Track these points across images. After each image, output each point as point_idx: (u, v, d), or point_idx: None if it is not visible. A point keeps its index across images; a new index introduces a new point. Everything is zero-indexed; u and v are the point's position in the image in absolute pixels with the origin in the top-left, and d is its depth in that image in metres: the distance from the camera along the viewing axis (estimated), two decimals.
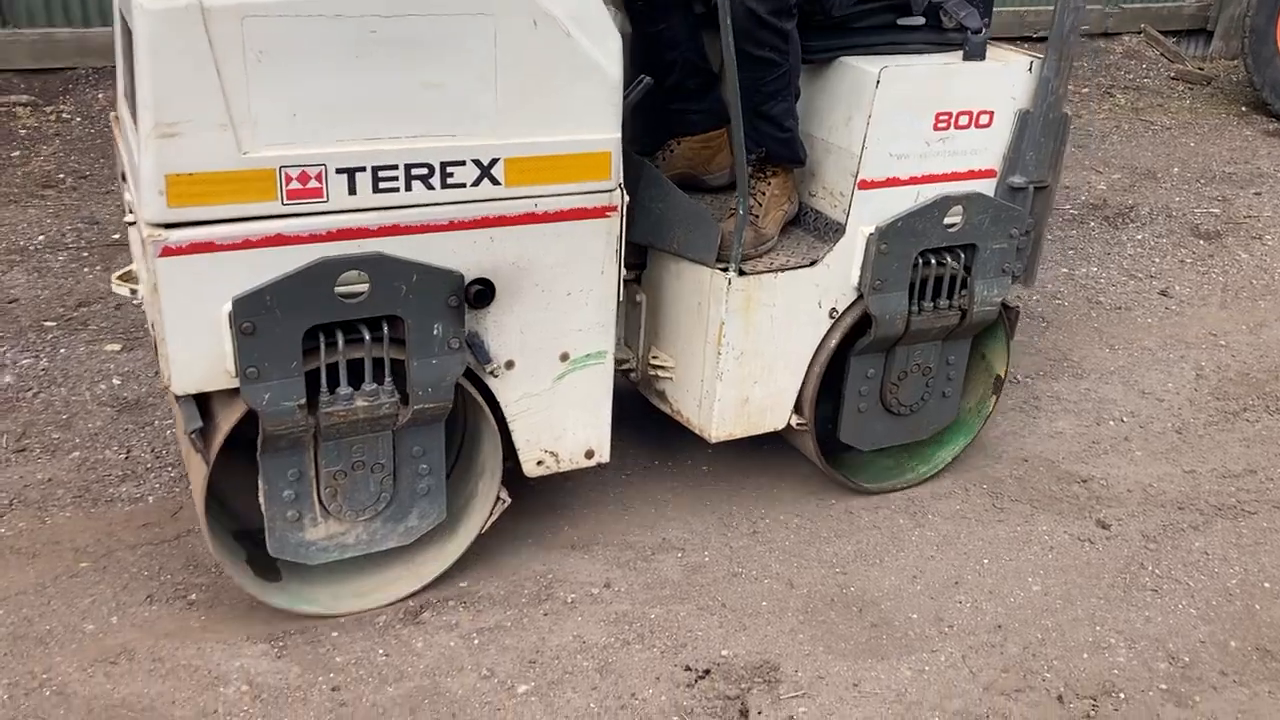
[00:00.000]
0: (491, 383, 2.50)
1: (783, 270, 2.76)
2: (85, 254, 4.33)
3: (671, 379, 2.96)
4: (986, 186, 2.90)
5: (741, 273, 2.69)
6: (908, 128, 2.72)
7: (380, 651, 2.52)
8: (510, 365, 2.51)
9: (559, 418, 2.64)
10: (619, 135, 2.40)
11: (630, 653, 2.57)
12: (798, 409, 2.94)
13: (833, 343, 2.87)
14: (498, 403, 2.54)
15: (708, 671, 2.53)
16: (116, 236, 4.46)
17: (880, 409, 3.07)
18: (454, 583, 2.75)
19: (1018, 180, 2.90)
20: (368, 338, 2.27)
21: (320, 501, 2.44)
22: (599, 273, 2.51)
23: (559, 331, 2.54)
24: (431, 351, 2.32)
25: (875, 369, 2.99)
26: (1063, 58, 2.80)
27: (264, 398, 2.21)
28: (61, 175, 5.02)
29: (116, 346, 3.71)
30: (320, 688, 2.41)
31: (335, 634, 2.57)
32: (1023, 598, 2.84)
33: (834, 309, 2.85)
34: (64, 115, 5.52)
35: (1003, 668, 2.59)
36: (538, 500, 3.06)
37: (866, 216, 2.76)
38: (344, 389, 2.30)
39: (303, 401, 2.24)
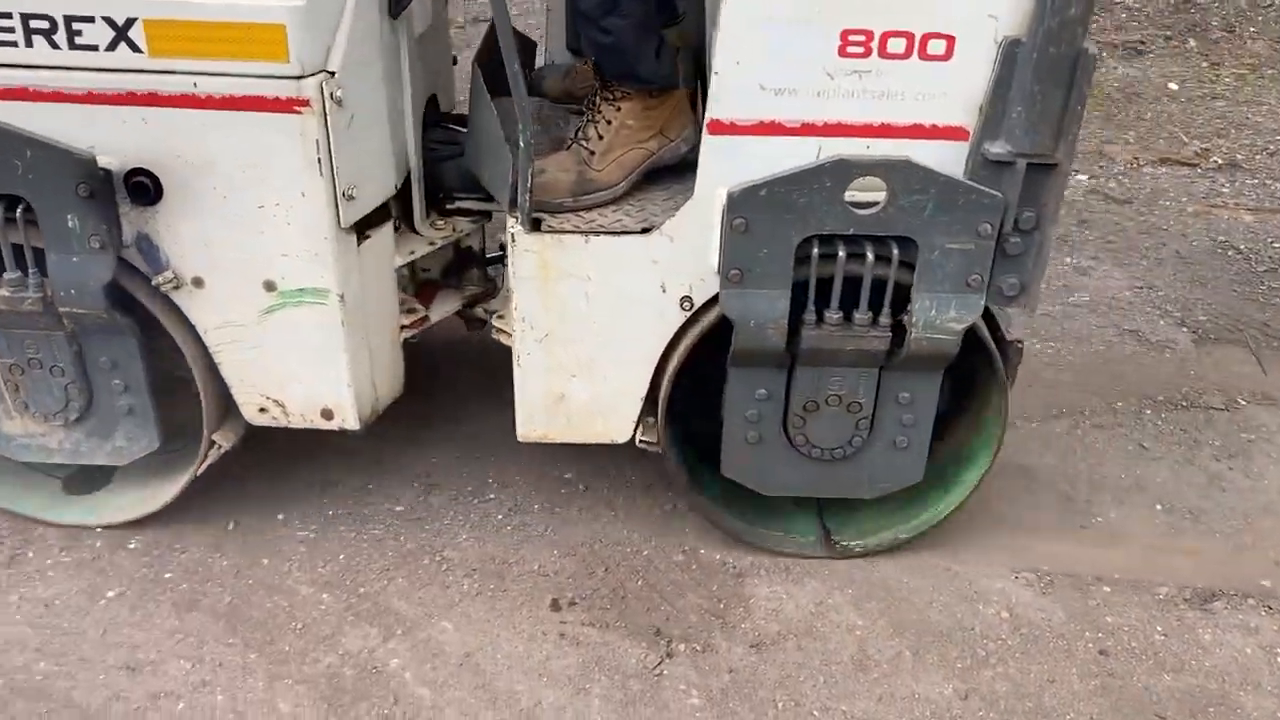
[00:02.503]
0: (178, 300, 2.16)
1: (597, 233, 2.09)
2: None
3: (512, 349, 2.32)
4: (952, 153, 1.97)
5: (537, 227, 2.05)
6: (790, 47, 1.90)
7: (1158, 629, 2.24)
8: (199, 283, 2.14)
9: (276, 361, 2.23)
10: (301, 4, 1.89)
11: None
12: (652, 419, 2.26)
13: (687, 343, 2.16)
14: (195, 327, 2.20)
15: None
16: None
17: (784, 445, 2.26)
18: (1254, 580, 2.35)
19: (999, 149, 1.93)
20: None
21: (5, 393, 2.27)
22: (297, 190, 2.02)
23: (257, 254, 2.11)
24: (70, 248, 2.02)
25: (769, 390, 2.20)
26: None
27: None
28: None
29: None
30: (1086, 644, 2.20)
31: (1108, 589, 2.33)
32: None
33: (687, 298, 2.14)
34: None
35: None
36: None
37: (724, 174, 1.99)
38: None
39: None
